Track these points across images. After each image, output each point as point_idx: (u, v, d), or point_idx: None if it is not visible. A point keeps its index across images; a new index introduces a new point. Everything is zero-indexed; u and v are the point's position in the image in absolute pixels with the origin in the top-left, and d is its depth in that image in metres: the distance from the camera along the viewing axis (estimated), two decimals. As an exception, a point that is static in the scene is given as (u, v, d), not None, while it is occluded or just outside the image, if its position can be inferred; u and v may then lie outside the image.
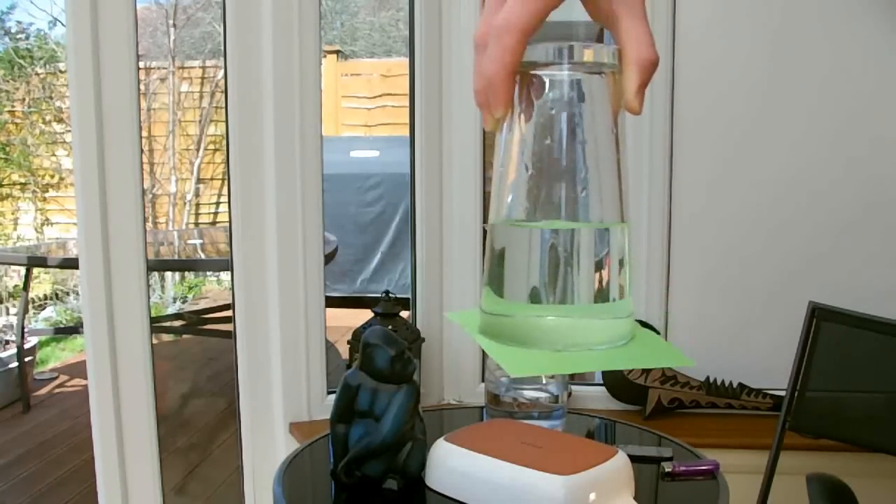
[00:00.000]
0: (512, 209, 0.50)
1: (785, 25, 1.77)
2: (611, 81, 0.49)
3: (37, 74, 5.90)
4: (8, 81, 5.83)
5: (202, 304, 5.49)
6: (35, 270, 4.71)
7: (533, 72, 0.48)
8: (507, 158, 0.50)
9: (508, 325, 0.50)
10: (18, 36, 6.07)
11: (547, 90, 0.48)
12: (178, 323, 4.84)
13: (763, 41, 1.78)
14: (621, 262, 0.50)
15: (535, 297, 0.49)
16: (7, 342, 4.15)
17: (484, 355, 1.89)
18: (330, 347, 2.03)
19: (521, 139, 0.49)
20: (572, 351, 0.48)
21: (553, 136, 0.48)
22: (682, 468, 1.13)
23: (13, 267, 5.08)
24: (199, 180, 6.05)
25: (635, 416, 1.78)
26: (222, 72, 2.19)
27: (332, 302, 1.91)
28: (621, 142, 0.50)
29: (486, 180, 1.87)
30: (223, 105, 1.77)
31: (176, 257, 4.66)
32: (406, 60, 1.87)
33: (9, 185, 5.78)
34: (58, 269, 5.03)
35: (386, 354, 1.03)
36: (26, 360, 3.81)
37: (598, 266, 0.49)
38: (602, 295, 0.49)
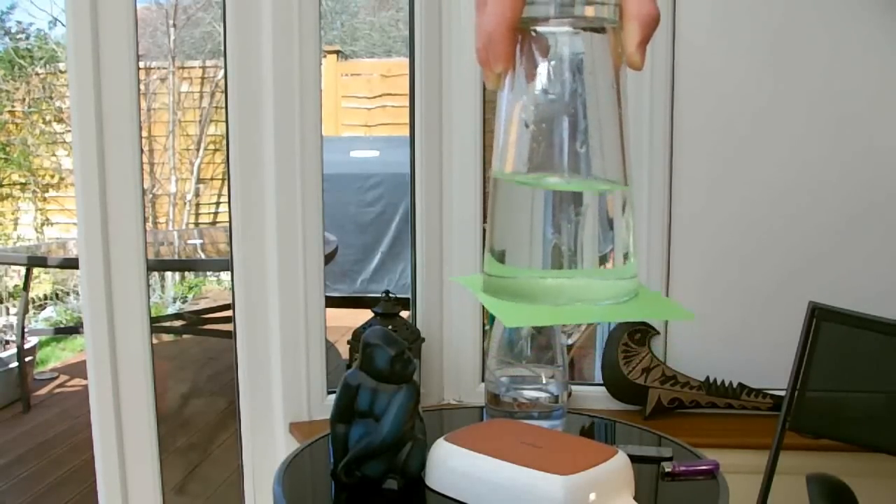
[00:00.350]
0: (514, 165, 0.50)
1: (785, 26, 1.77)
2: (612, 37, 0.48)
3: (37, 74, 5.90)
4: (8, 81, 5.82)
5: (202, 304, 5.49)
6: (35, 270, 4.71)
7: (533, 28, 0.48)
8: (509, 116, 0.49)
9: (511, 285, 0.50)
10: (18, 36, 6.06)
11: (547, 46, 0.48)
12: (178, 323, 4.84)
13: (763, 42, 1.78)
14: (626, 223, 0.49)
15: (535, 263, 0.49)
16: (7, 342, 4.15)
17: (484, 355, 1.89)
18: (330, 347, 2.03)
19: (523, 96, 0.49)
20: (574, 305, 0.48)
21: (554, 92, 0.48)
22: (682, 468, 1.13)
23: (13, 267, 5.08)
24: (199, 180, 6.05)
25: (635, 416, 1.78)
26: (222, 72, 2.19)
27: (332, 302, 1.91)
28: (623, 98, 0.49)
29: (485, 180, 1.87)
30: (223, 105, 1.77)
31: (176, 257, 4.65)
32: (406, 60, 1.87)
33: (9, 185, 5.78)
34: (58, 269, 5.03)
35: (386, 354, 1.03)
36: (26, 360, 3.81)
37: (601, 230, 0.49)
38: (605, 260, 0.49)
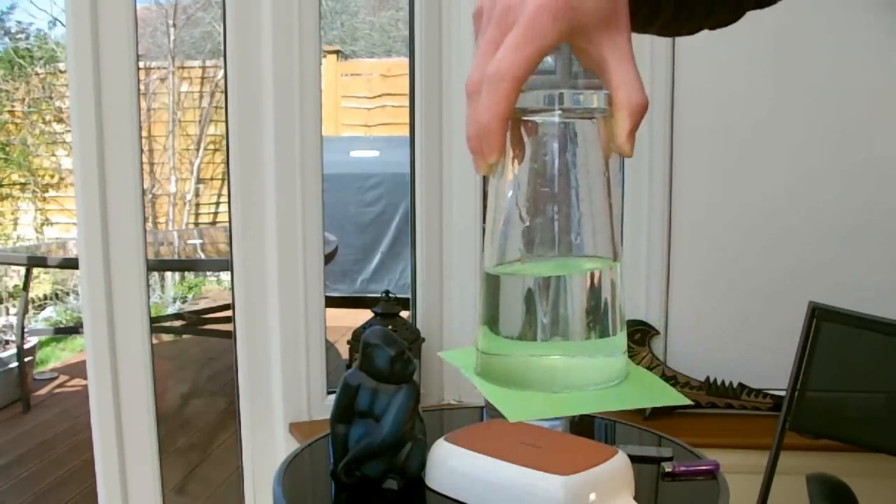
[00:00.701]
0: (505, 253, 0.51)
1: (785, 33, 1.77)
2: (602, 125, 0.49)
3: (37, 74, 5.90)
4: (8, 81, 5.82)
5: (202, 304, 5.49)
6: (35, 270, 4.71)
7: (524, 118, 0.49)
8: (500, 203, 0.50)
9: (503, 365, 0.51)
10: (18, 36, 6.06)
11: (538, 136, 0.49)
12: (178, 323, 4.83)
13: (763, 47, 1.78)
14: (614, 302, 0.50)
15: (528, 337, 0.50)
16: (7, 342, 4.14)
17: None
18: (330, 347, 2.03)
19: (513, 185, 0.50)
20: (567, 392, 0.49)
21: (545, 181, 0.49)
22: (682, 468, 1.13)
23: (13, 267, 5.08)
24: (199, 180, 6.05)
25: (635, 416, 1.77)
26: (222, 72, 2.19)
27: (332, 302, 1.91)
28: (613, 185, 0.50)
29: (485, 180, 1.87)
30: (223, 105, 1.77)
31: (176, 257, 4.65)
32: (406, 60, 1.88)
33: (9, 185, 5.78)
34: (58, 269, 5.02)
35: (386, 354, 1.03)
36: (26, 360, 3.81)
37: (591, 307, 0.50)
38: (595, 334, 0.50)
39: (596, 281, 0.50)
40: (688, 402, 0.51)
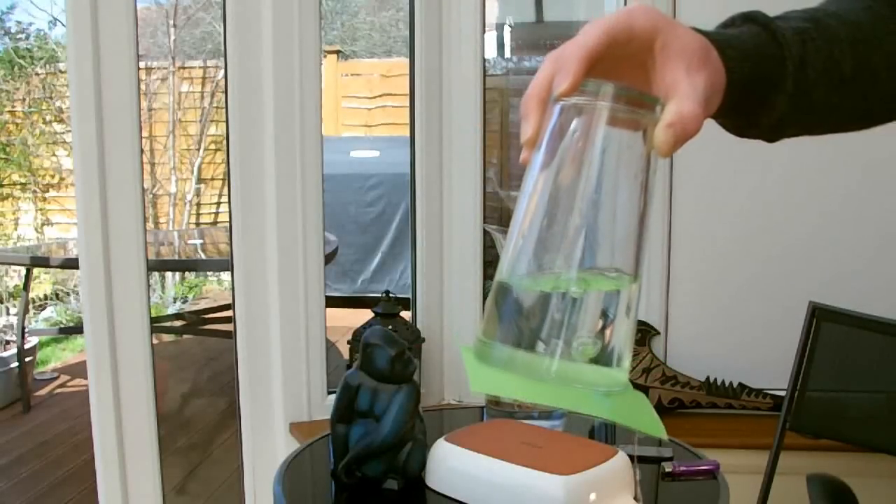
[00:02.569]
0: (524, 257, 0.48)
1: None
2: (650, 131, 0.47)
3: (37, 74, 5.90)
4: (8, 81, 5.82)
5: (202, 305, 5.49)
6: (35, 270, 4.71)
7: (574, 99, 0.47)
8: (528, 205, 0.48)
9: (500, 354, 0.48)
10: (18, 36, 6.06)
11: (580, 134, 0.47)
12: (178, 323, 4.84)
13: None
14: (626, 323, 0.48)
15: (530, 347, 0.47)
16: (7, 342, 4.15)
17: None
18: (330, 347, 2.03)
19: (547, 187, 0.48)
20: (557, 383, 0.46)
21: (579, 184, 0.47)
22: (683, 468, 1.13)
23: (13, 267, 5.08)
24: (199, 180, 6.05)
25: (635, 416, 1.77)
26: (222, 72, 2.19)
27: (332, 302, 1.91)
28: (649, 195, 0.48)
29: (485, 180, 1.87)
30: (223, 105, 1.77)
31: (176, 257, 4.65)
32: (406, 60, 1.88)
33: (9, 185, 5.78)
34: (58, 269, 5.03)
35: (386, 354, 1.03)
36: (26, 360, 3.81)
37: (602, 326, 0.47)
38: (600, 358, 0.47)
39: (612, 302, 0.47)
40: (665, 437, 0.49)
